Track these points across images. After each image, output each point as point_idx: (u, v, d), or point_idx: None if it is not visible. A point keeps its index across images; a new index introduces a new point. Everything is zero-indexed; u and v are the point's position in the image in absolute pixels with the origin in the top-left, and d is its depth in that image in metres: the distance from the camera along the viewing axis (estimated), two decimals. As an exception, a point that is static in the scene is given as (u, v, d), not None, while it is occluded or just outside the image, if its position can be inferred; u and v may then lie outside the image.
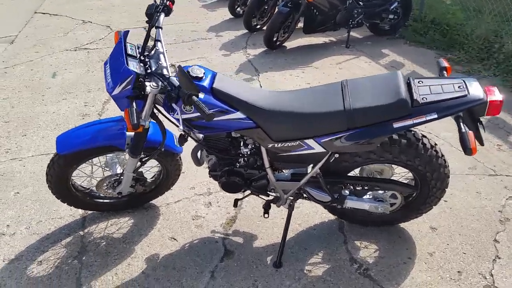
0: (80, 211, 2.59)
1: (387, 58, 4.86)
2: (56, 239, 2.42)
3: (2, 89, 4.30)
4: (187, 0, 7.40)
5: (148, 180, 2.48)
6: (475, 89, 1.80)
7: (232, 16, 6.33)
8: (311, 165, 2.10)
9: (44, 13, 6.99)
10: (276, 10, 4.91)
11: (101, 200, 2.47)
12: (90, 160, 2.29)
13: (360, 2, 5.01)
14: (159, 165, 2.42)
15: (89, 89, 4.25)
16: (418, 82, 1.90)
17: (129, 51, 1.87)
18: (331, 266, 2.22)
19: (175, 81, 1.75)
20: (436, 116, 1.79)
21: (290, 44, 5.29)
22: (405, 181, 2.22)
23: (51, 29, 6.16)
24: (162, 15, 2.02)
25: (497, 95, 1.79)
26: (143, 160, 2.20)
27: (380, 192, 2.17)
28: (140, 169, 2.35)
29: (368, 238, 2.39)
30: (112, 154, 2.30)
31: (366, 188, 2.13)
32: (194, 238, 2.41)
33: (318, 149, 1.93)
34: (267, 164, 2.06)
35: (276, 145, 1.94)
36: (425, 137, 2.06)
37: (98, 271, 2.22)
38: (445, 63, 2.05)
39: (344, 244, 2.35)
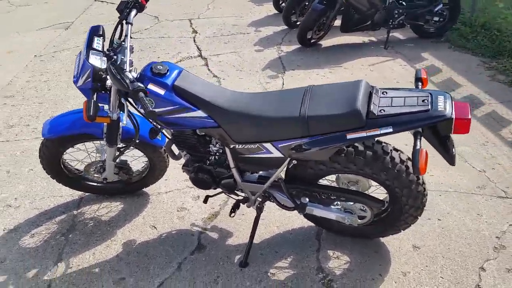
0: (80, 193, 2.79)
1: (425, 62, 4.63)
2: (52, 215, 2.65)
3: (46, 72, 4.69)
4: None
5: (135, 169, 2.62)
6: (441, 105, 1.71)
7: (277, 12, 6.33)
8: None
9: (102, 1, 7.47)
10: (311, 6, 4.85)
11: (92, 183, 2.65)
12: (82, 144, 2.47)
13: (402, 2, 4.81)
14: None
15: (121, 77, 4.50)
16: (382, 92, 1.84)
17: (95, 45, 1.99)
18: (296, 272, 2.22)
19: (128, 76, 1.81)
20: (391, 130, 1.73)
21: (326, 43, 5.21)
22: (380, 196, 2.15)
23: (104, 17, 6.57)
24: (134, 11, 2.09)
25: (465, 112, 1.69)
26: (121, 149, 2.33)
27: (350, 203, 2.13)
28: (124, 158, 2.50)
29: (343, 249, 2.35)
30: (102, 141, 2.45)
31: (332, 197, 2.10)
32: (173, 228, 2.52)
33: (276, 154, 1.94)
34: (232, 164, 2.10)
35: (237, 146, 1.98)
36: (397, 150, 1.99)
37: (79, 249, 2.40)
38: (423, 74, 1.96)
39: (316, 252, 2.33)
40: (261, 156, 1.97)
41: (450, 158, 1.81)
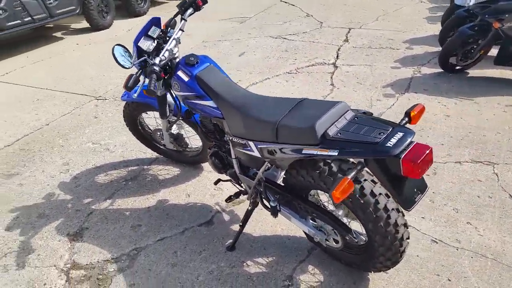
0: (157, 154, 3.42)
1: None
2: (129, 164, 3.35)
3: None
4: (418, 10, 7.22)
5: (193, 145, 3.10)
6: (392, 141, 1.63)
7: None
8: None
9: (285, 2, 8.21)
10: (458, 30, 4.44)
11: (159, 146, 3.24)
12: (153, 112, 3.06)
13: None
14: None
15: (251, 71, 5.06)
16: (354, 117, 1.82)
17: (150, 32, 2.46)
18: (268, 272, 2.34)
19: (155, 59, 2.24)
20: (336, 154, 1.72)
21: (475, 72, 4.69)
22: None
23: (277, 16, 7.27)
24: (190, 10, 2.48)
25: (418, 156, 1.58)
26: (171, 122, 2.80)
27: (322, 222, 2.13)
28: (182, 132, 2.97)
29: (325, 269, 2.33)
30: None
31: (308, 211, 2.14)
32: (201, 201, 2.90)
33: (256, 153, 2.11)
34: (233, 154, 2.35)
35: (233, 138, 2.22)
36: (374, 182, 1.90)
37: (127, 195, 3.01)
38: (415, 110, 1.84)
39: (299, 263, 2.38)
40: (247, 152, 2.17)
41: (401, 201, 1.70)
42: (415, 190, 1.74)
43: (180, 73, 2.32)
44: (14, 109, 4.44)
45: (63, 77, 5.28)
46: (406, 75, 4.71)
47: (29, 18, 5.95)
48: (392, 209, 1.88)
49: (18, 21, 5.82)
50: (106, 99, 4.56)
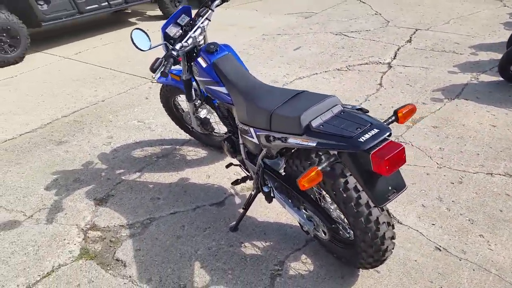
0: (190, 137, 3.65)
1: None
2: (163, 143, 3.61)
3: (256, 48, 5.76)
4: (497, 14, 6.77)
5: (216, 127, 3.27)
6: (366, 136, 1.66)
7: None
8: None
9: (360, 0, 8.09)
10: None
11: (189, 127, 3.45)
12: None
13: None
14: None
15: (301, 66, 5.12)
16: (340, 112, 1.86)
17: (179, 20, 2.64)
18: (262, 255, 2.43)
19: (177, 45, 2.41)
20: (314, 145, 1.78)
21: (541, 83, 4.35)
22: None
23: (344, 13, 7.22)
24: (218, 1, 2.62)
25: (388, 153, 1.60)
26: (196, 106, 2.99)
27: (311, 212, 2.19)
28: (208, 116, 3.15)
29: (318, 260, 2.37)
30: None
31: (299, 201, 2.21)
32: (218, 183, 3.06)
33: (255, 139, 2.22)
34: (240, 140, 2.47)
35: (239, 124, 2.35)
36: None
37: (155, 171, 3.26)
38: (402, 110, 1.84)
39: (294, 251, 2.46)
40: (250, 139, 2.28)
41: (372, 196, 1.72)
42: (390, 188, 1.74)
43: (200, 59, 2.49)
44: (78, 85, 4.93)
45: (128, 60, 5.72)
46: (461, 80, 4.49)
47: (106, 3, 6.50)
48: (375, 206, 1.90)
49: (96, 5, 6.39)
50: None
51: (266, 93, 2.21)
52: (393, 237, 2.00)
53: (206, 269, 2.36)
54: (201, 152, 3.44)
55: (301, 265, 2.36)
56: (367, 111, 1.96)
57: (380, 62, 5.09)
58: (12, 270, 2.41)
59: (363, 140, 1.65)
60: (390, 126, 1.77)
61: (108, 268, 2.41)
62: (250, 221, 2.68)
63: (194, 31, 2.52)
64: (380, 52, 5.38)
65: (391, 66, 4.95)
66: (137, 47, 2.37)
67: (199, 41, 2.57)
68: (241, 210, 2.76)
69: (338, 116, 1.84)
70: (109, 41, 6.56)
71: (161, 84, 3.29)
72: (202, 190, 3.00)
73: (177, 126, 3.66)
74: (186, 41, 2.47)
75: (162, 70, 2.29)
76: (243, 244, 2.52)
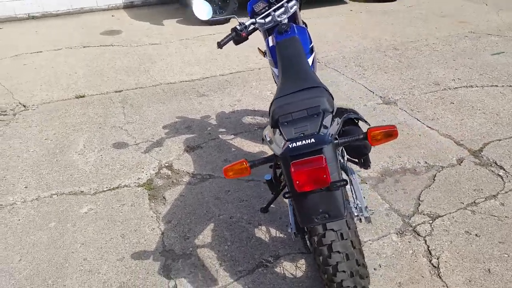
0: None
1: None
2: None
3: (448, 45, 5.11)
4: None
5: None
6: (297, 145, 1.56)
7: None
8: None
9: None
10: None
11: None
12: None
13: None
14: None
15: (482, 73, 4.32)
16: (315, 113, 1.71)
17: None
18: (266, 243, 2.40)
19: (247, 22, 2.48)
20: (268, 139, 1.76)
21: None
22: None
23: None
24: None
25: (302, 166, 1.47)
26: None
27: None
28: None
29: (313, 270, 2.22)
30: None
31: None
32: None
33: None
34: None
35: None
36: None
37: (250, 138, 3.46)
38: (378, 130, 1.56)
39: (297, 253, 2.33)
40: None
41: (297, 211, 1.59)
42: (320, 210, 1.53)
43: (270, 38, 2.53)
44: (250, 51, 5.36)
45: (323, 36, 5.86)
46: None
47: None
48: (333, 229, 1.69)
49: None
50: (319, 62, 4.95)
51: (294, 83, 2.13)
52: (351, 274, 1.71)
53: (213, 232, 2.50)
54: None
55: (292, 268, 2.25)
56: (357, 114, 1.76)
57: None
58: (93, 177, 3.07)
59: (290, 147, 1.52)
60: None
61: (152, 201, 2.80)
62: (283, 210, 2.64)
63: (276, 10, 2.53)
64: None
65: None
66: (196, 15, 2.54)
67: (280, 21, 2.56)
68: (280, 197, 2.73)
69: (308, 116, 1.69)
70: (322, 16, 6.77)
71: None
72: (266, 167, 3.05)
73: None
74: (262, 18, 2.52)
75: (225, 41, 2.44)
76: (259, 227, 2.53)
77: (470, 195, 2.68)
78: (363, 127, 1.86)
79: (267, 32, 2.64)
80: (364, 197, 2.10)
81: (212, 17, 2.55)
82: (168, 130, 3.64)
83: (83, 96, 4.33)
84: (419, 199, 2.68)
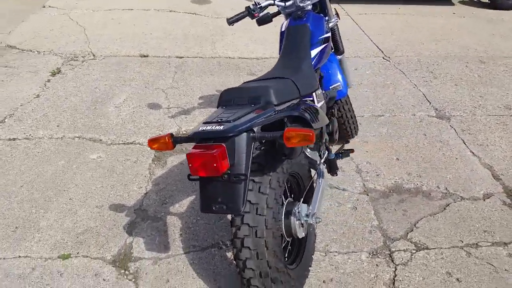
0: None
1: None
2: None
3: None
4: None
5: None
6: (205, 129, 1.55)
7: None
8: None
9: None
10: None
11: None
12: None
13: None
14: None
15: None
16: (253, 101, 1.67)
17: None
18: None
19: (263, 3, 2.42)
20: None
21: None
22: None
23: None
24: None
25: (198, 151, 1.46)
26: None
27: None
28: None
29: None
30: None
31: None
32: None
33: None
34: None
35: None
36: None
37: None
38: (294, 131, 1.48)
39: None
40: None
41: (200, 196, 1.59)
42: (219, 199, 1.50)
43: (284, 22, 2.46)
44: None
45: (406, 36, 5.48)
46: None
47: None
48: (248, 224, 1.64)
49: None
50: (389, 60, 4.62)
51: (275, 69, 2.09)
52: (269, 278, 1.65)
53: (190, 204, 2.57)
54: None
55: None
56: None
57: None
58: (117, 130, 3.28)
59: (199, 130, 1.50)
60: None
61: (154, 162, 2.94)
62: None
63: None
64: None
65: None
66: None
67: (303, 7, 2.46)
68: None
69: (245, 106, 1.66)
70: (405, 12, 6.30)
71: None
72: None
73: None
74: (282, 1, 2.45)
75: (235, 19, 2.44)
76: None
77: (475, 236, 2.37)
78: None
79: (288, 17, 2.56)
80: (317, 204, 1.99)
81: None
82: (202, 101, 3.73)
83: (147, 56, 4.59)
84: (415, 225, 2.44)
